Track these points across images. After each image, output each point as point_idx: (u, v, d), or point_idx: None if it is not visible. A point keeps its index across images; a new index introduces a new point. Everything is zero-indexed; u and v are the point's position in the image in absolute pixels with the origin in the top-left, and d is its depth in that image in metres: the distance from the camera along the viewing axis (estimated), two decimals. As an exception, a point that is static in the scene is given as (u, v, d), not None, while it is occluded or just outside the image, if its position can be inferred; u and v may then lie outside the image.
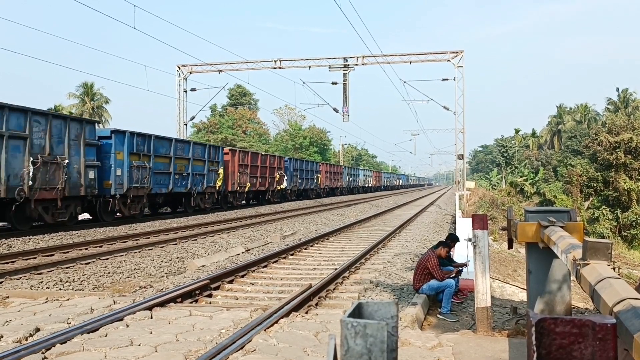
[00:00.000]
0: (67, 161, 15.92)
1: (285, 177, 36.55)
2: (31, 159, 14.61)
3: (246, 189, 30.15)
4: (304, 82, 33.63)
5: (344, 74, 32.85)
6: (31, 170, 14.54)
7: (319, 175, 45.81)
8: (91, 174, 17.21)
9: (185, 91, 35.01)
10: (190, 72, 35.10)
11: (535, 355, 1.23)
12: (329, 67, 32.92)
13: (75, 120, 17.29)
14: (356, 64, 32.84)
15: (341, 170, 55.67)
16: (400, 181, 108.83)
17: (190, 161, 23.52)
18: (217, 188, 26.24)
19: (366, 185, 68.46)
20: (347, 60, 32.85)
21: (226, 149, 28.33)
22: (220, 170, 26.47)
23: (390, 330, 1.16)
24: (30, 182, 14.55)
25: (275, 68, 33.55)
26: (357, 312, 1.23)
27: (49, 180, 15.24)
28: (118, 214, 19.54)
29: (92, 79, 59.90)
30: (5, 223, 16.10)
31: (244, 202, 32.43)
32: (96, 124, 18.51)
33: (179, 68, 34.93)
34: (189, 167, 23.44)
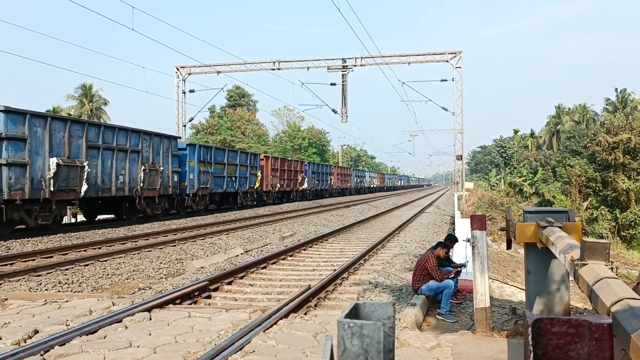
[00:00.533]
0: (162, 168, 21.19)
1: (306, 179, 41.62)
2: (142, 167, 19.83)
3: (276, 189, 35.18)
4: (302, 83, 33.65)
5: (343, 74, 32.85)
6: (142, 176, 19.78)
7: (332, 177, 51.00)
8: (175, 178, 22.49)
9: (184, 92, 35.00)
10: (189, 74, 35.09)
11: (532, 355, 1.23)
12: (328, 68, 32.92)
13: (167, 137, 22.18)
14: (355, 65, 32.85)
15: (350, 172, 61.40)
16: (402, 182, 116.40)
17: (238, 166, 28.56)
18: (256, 188, 31.40)
19: (371, 186, 73.75)
20: (345, 61, 32.85)
21: (262, 156, 33.48)
22: (259, 174, 31.75)
23: (387, 331, 1.17)
24: (142, 184, 19.73)
25: (273, 69, 33.55)
26: (354, 313, 1.24)
27: (151, 182, 20.40)
28: (188, 209, 24.35)
29: (91, 80, 59.89)
30: (112, 215, 21.61)
31: (270, 201, 35.83)
32: (177, 139, 24.01)
33: (178, 69, 34.92)
34: (237, 172, 28.48)
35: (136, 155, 19.54)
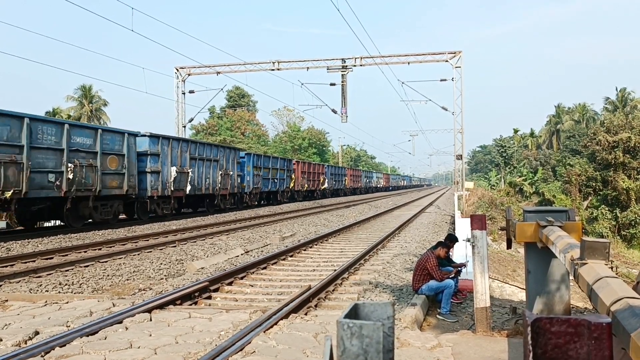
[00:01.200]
0: (231, 173, 27.42)
1: (326, 180, 48.51)
2: (220, 172, 25.94)
3: (304, 189, 42.05)
4: (302, 84, 33.66)
5: (342, 75, 32.86)
6: (219, 179, 25.95)
7: (346, 177, 58.56)
8: (238, 180, 28.54)
9: (184, 93, 35.02)
10: (189, 74, 35.10)
11: (531, 354, 1.24)
12: (327, 69, 32.93)
13: (234, 148, 29.45)
14: (354, 65, 32.86)
15: (360, 174, 69.26)
16: (405, 182, 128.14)
17: (277, 170, 35.18)
18: (291, 188, 38.02)
19: (378, 186, 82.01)
20: (345, 62, 32.86)
21: (294, 161, 40.35)
22: (293, 176, 38.38)
23: (387, 331, 1.17)
24: (219, 185, 25.97)
25: (273, 69, 33.56)
26: (354, 313, 1.24)
27: (224, 184, 26.64)
28: (244, 204, 30.34)
29: (91, 81, 59.95)
30: (189, 209, 26.47)
31: (299, 198, 41.75)
32: (240, 150, 30.48)
33: (177, 70, 34.93)
34: (277, 174, 35.08)
35: (216, 164, 25.57)
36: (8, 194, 13.92)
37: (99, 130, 17.77)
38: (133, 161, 19.31)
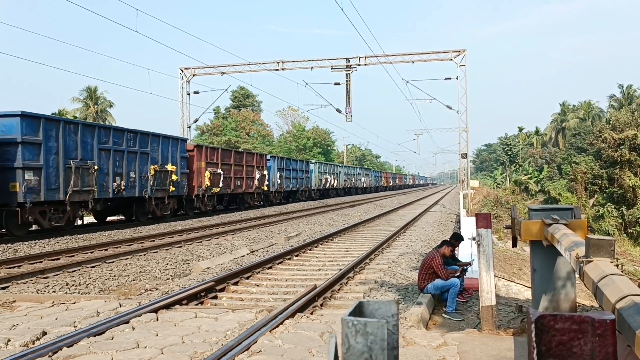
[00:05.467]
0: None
1: (370, 179, 60.29)
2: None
3: (341, 187, 51.37)
4: (306, 83, 33.66)
5: (347, 74, 32.85)
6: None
7: (382, 179, 70.37)
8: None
9: (189, 94, 35.09)
10: (193, 75, 35.17)
11: (535, 351, 1.24)
12: (332, 68, 32.92)
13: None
14: (358, 65, 32.83)
15: (390, 175, 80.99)
16: (415, 180, 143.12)
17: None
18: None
19: (391, 185, 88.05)
20: (349, 61, 32.84)
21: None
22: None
23: (391, 329, 1.18)
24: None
25: (277, 69, 33.58)
26: (358, 311, 1.25)
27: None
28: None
29: (96, 82, 60.16)
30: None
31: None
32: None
33: (182, 71, 35.01)
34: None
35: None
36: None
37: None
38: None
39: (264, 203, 33.28)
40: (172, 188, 21.27)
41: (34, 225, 15.95)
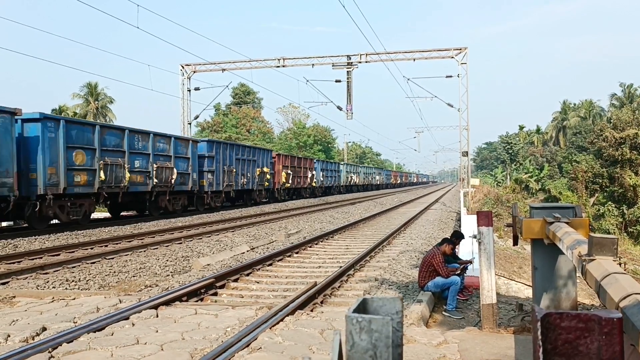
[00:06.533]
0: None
1: (382, 177, 69.70)
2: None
3: (356, 183, 58.43)
4: (307, 81, 33.61)
5: (348, 71, 32.77)
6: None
7: (392, 177, 79.51)
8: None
9: (189, 90, 35.04)
10: (194, 72, 35.12)
11: (540, 350, 1.23)
12: (333, 65, 32.84)
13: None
14: (360, 62, 32.75)
15: (397, 174, 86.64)
16: (418, 178, 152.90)
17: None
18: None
19: (396, 182, 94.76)
20: (350, 58, 32.76)
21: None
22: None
23: (395, 326, 1.16)
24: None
25: (278, 67, 33.51)
26: (362, 308, 1.23)
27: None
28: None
29: (96, 78, 60.11)
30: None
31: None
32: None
33: (183, 67, 34.95)
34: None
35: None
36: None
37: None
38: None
39: (310, 196, 41.75)
40: (266, 184, 31.95)
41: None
